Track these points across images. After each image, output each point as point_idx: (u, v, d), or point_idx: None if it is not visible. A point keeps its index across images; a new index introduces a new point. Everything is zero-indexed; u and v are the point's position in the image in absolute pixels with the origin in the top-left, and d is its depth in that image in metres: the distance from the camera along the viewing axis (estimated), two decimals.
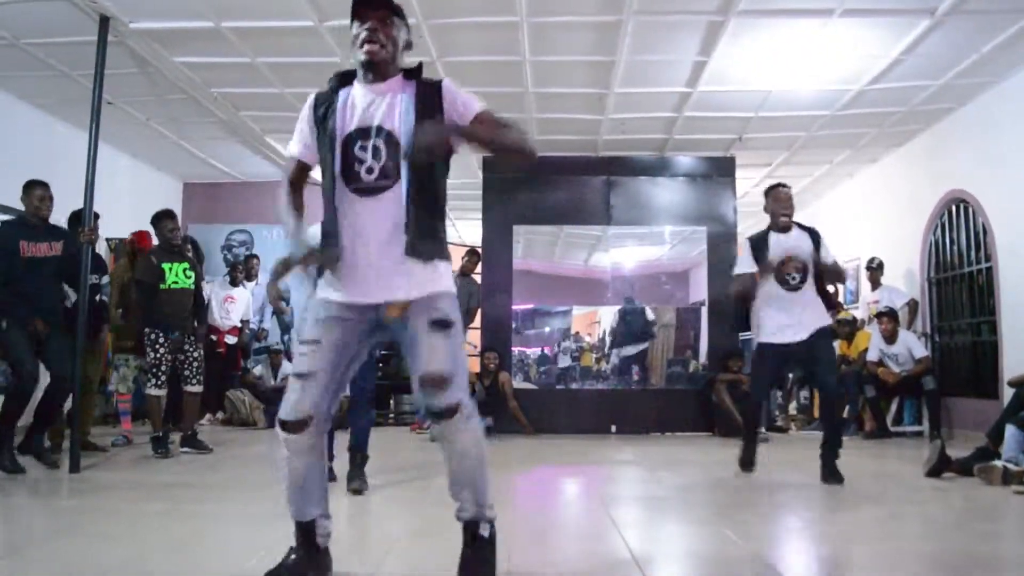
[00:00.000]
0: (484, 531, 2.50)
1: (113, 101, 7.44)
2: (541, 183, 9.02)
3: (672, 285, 10.31)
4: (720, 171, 9.21)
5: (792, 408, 9.86)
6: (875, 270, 9.09)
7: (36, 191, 5.50)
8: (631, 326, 9.47)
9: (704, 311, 9.13)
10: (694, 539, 3.52)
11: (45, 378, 5.37)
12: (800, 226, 5.21)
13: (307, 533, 2.52)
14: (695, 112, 8.16)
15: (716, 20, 6.14)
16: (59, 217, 5.82)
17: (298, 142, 2.67)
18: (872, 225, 10.00)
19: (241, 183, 10.94)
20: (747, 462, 5.22)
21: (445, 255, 2.59)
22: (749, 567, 2.90)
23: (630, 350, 9.46)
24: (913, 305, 8.75)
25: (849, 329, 8.84)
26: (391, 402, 9.98)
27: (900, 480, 5.21)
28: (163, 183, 10.52)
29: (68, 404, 5.76)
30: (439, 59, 6.77)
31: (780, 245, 5.07)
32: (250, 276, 9.49)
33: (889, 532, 3.55)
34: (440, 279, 2.52)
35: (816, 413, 9.25)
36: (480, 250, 9.07)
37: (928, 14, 5.92)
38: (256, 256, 9.94)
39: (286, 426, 2.44)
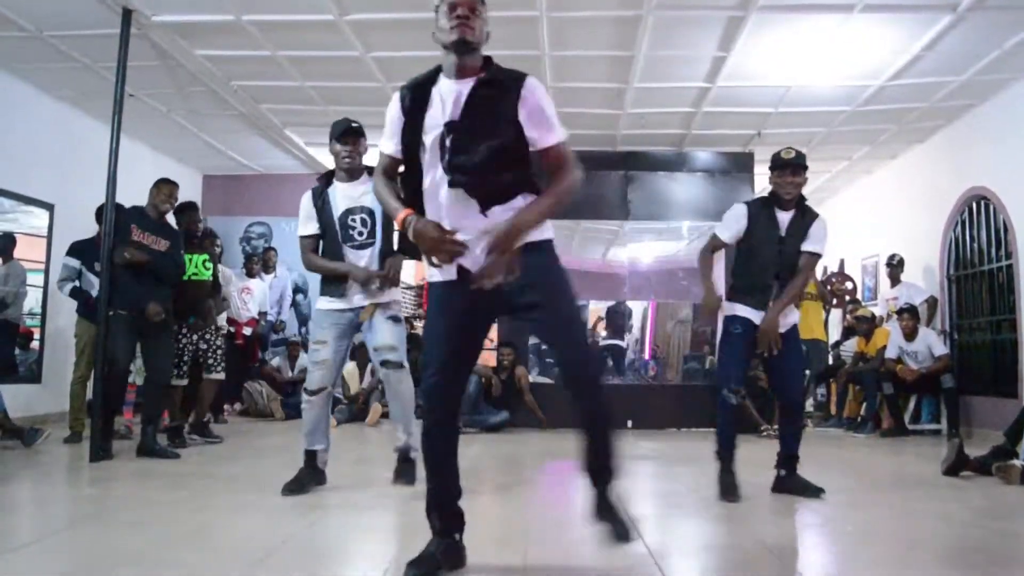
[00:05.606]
0: (413, 455, 4.20)
1: (135, 93, 7.49)
2: None
3: (689, 281, 10.29)
4: (739, 167, 9.19)
5: (808, 405, 9.81)
6: (895, 267, 9.03)
7: (165, 187, 5.68)
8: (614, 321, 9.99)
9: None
10: (711, 535, 3.52)
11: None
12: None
13: (312, 457, 4.14)
14: (714, 107, 8.13)
15: (736, 15, 6.12)
16: (76, 215, 5.82)
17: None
18: (891, 222, 9.94)
19: (260, 176, 11.00)
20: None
21: None
22: (766, 563, 2.90)
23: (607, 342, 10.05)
24: (932, 302, 8.70)
25: (867, 326, 8.79)
26: None
27: (918, 478, 5.19)
28: (183, 175, 10.53)
29: (89, 392, 5.82)
30: None
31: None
32: (268, 268, 9.53)
33: (906, 530, 3.54)
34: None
35: (833, 410, 9.24)
36: None
37: (950, 10, 5.88)
38: (274, 248, 9.98)
39: (310, 392, 4.12)
